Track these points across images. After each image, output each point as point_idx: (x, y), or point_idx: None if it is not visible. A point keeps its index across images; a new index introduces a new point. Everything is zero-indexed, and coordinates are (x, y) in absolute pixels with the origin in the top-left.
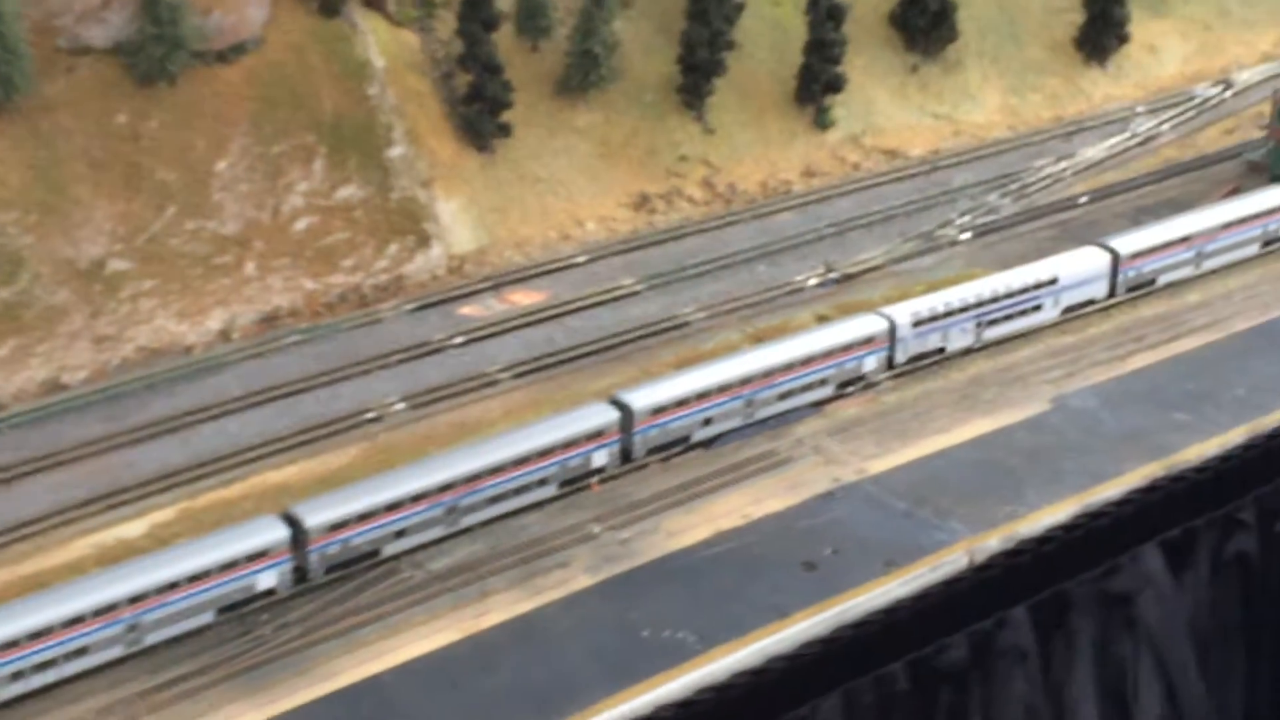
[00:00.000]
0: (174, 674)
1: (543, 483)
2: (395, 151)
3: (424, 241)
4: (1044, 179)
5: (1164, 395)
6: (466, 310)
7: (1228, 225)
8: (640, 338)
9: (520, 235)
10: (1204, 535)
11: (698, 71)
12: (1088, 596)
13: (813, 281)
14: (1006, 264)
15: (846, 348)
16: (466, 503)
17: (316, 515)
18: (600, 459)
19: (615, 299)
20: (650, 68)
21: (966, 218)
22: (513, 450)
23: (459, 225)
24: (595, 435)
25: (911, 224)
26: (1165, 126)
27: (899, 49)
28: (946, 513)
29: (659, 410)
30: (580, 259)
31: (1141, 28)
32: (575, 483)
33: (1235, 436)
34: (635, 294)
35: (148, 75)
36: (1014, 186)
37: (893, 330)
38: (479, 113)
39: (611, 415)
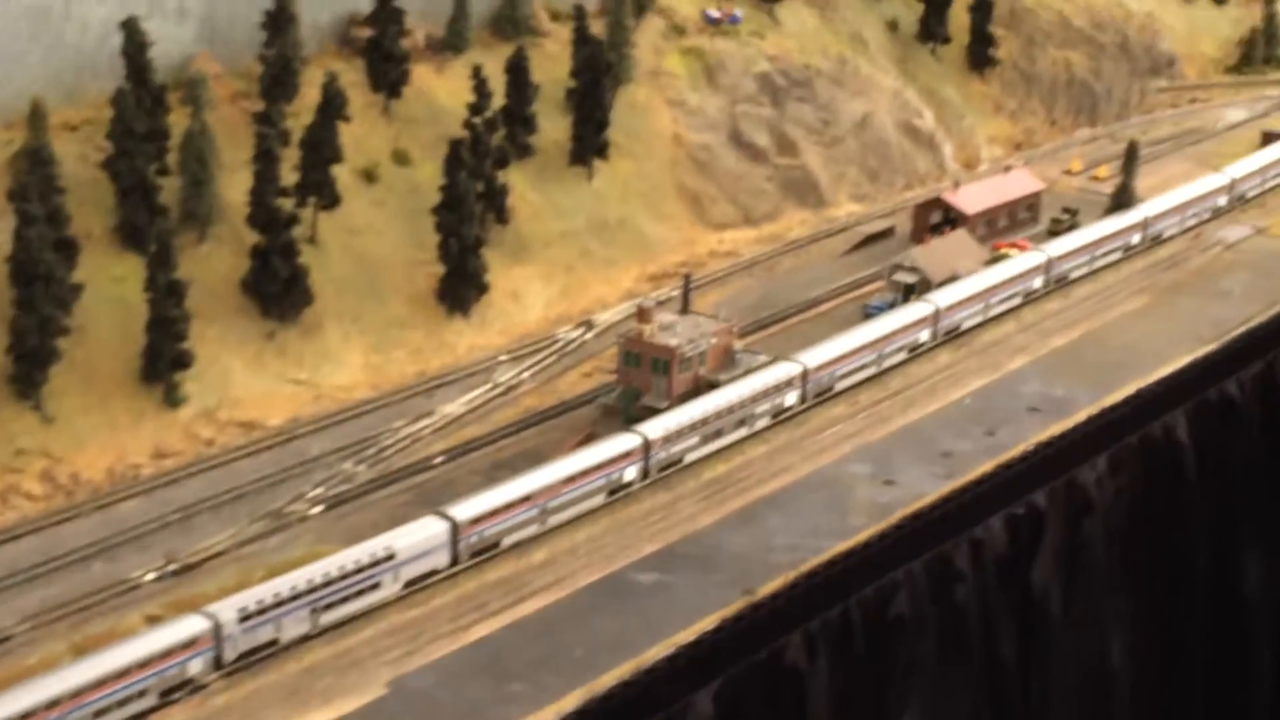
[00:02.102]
0: None
1: None
2: None
3: None
4: (403, 440)
5: (503, 664)
6: None
7: (571, 478)
8: None
9: None
10: None
11: (30, 360)
12: None
13: (150, 576)
14: (358, 536)
15: (166, 654)
16: None
17: None
18: None
19: None
20: None
21: (320, 489)
22: None
23: None
24: None
25: (264, 501)
26: (527, 374)
27: (254, 316)
28: None
29: None
30: None
31: (503, 275)
32: None
33: (571, 702)
34: None
35: None
36: (372, 451)
37: (217, 629)
38: None
39: None
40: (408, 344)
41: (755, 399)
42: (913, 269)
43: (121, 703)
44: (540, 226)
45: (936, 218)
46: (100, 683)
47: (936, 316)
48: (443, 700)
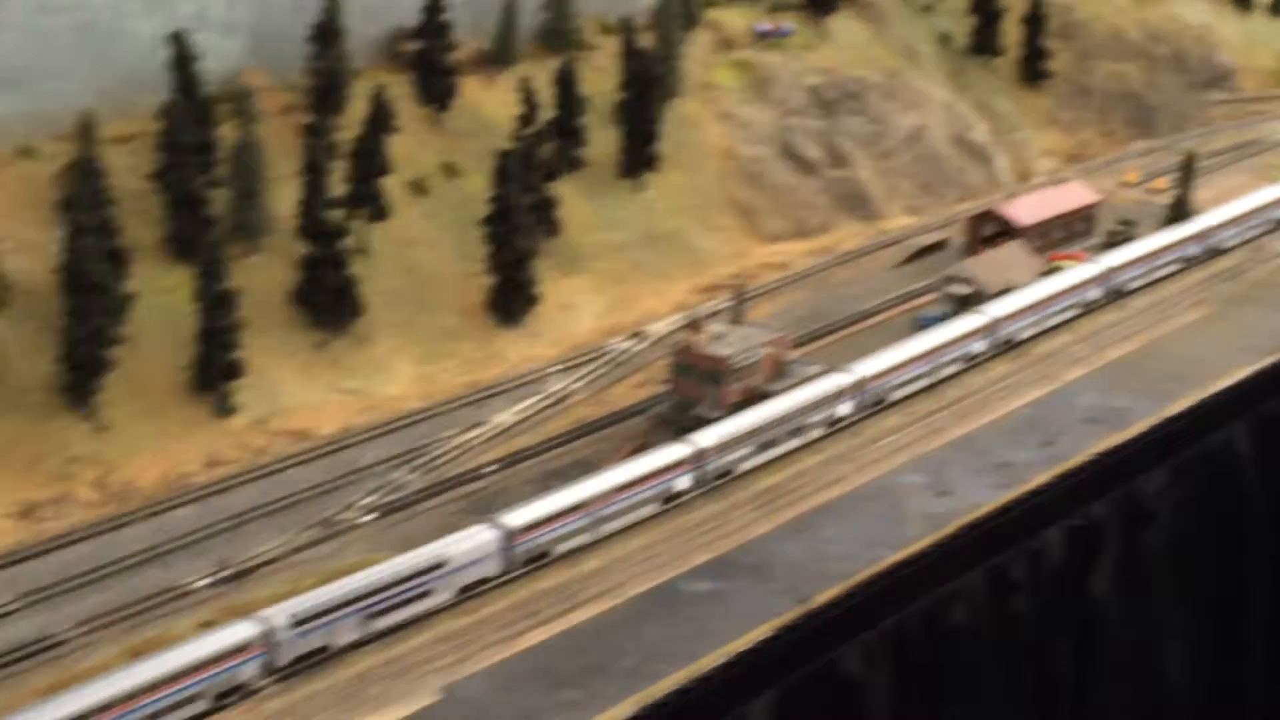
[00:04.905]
0: None
1: None
2: None
3: None
4: (454, 449)
5: (556, 672)
6: None
7: (623, 487)
8: (9, 663)
9: None
10: None
11: (83, 369)
12: None
13: (203, 582)
14: (410, 544)
15: (219, 658)
16: None
17: None
18: None
19: None
20: (33, 368)
21: (372, 498)
22: None
23: None
24: None
25: (316, 509)
26: (579, 384)
27: (305, 326)
28: None
29: None
30: None
31: (554, 286)
32: None
33: (624, 710)
34: (10, 614)
35: None
36: (423, 460)
37: (269, 634)
38: None
39: None
40: (458, 355)
41: (808, 409)
42: (967, 280)
43: (175, 706)
44: (591, 239)
45: (990, 230)
46: (154, 686)
47: (991, 327)
48: (495, 707)
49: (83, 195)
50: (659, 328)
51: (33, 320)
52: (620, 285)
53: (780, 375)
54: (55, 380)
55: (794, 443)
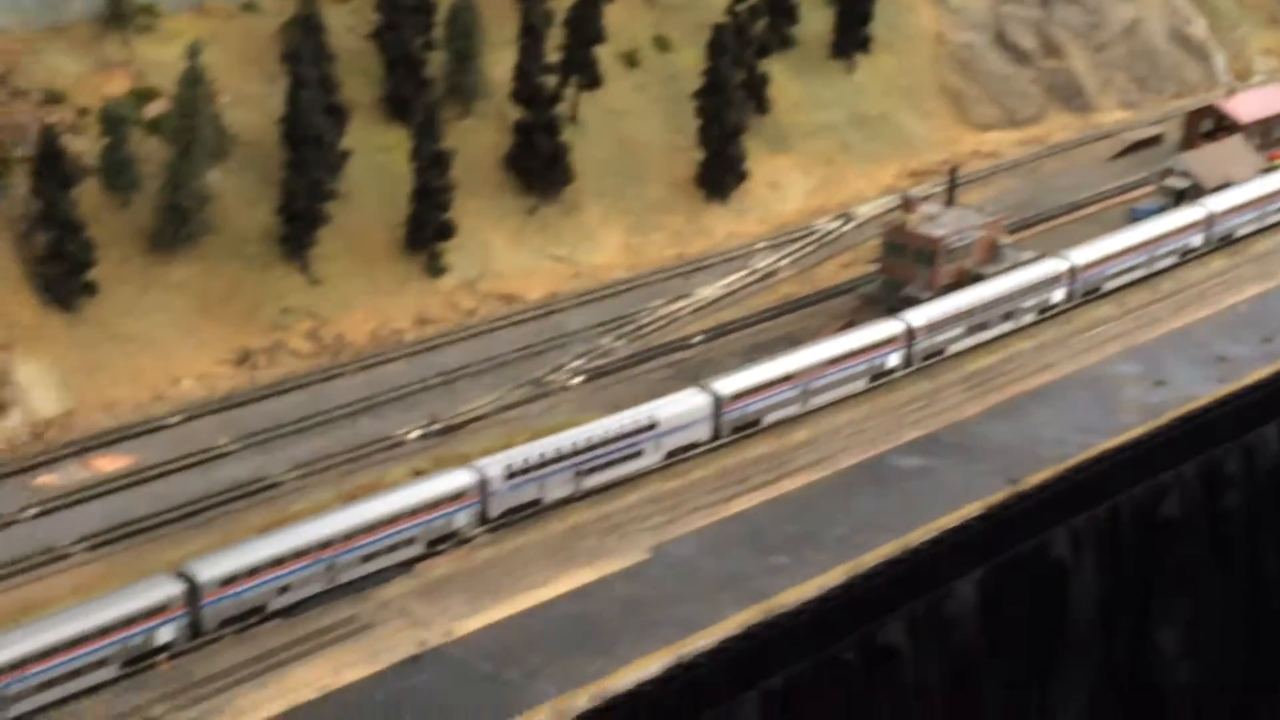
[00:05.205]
0: None
1: (102, 664)
2: None
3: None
4: (661, 319)
5: (765, 538)
6: (44, 480)
7: (833, 361)
8: (228, 500)
9: (110, 397)
10: (804, 681)
11: (299, 222)
12: None
13: (414, 434)
14: (617, 408)
15: (435, 504)
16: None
17: None
18: (166, 634)
19: (207, 460)
20: (252, 219)
21: (580, 361)
22: (63, 632)
23: (42, 389)
24: (158, 610)
25: (524, 370)
26: (785, 262)
27: (516, 191)
28: (535, 673)
29: (230, 580)
30: (174, 419)
31: (762, 164)
32: (140, 661)
33: (835, 577)
34: (229, 454)
35: None
36: (630, 328)
37: (484, 484)
38: (61, 272)
39: (176, 588)
40: (666, 227)
41: (1022, 294)
42: (1185, 174)
43: (390, 549)
44: (800, 118)
45: (1208, 125)
46: (372, 527)
47: (1210, 221)
48: (704, 567)
49: (304, 50)
50: (866, 209)
51: (253, 172)
52: (828, 166)
53: (993, 259)
54: (273, 231)
55: (1005, 327)
